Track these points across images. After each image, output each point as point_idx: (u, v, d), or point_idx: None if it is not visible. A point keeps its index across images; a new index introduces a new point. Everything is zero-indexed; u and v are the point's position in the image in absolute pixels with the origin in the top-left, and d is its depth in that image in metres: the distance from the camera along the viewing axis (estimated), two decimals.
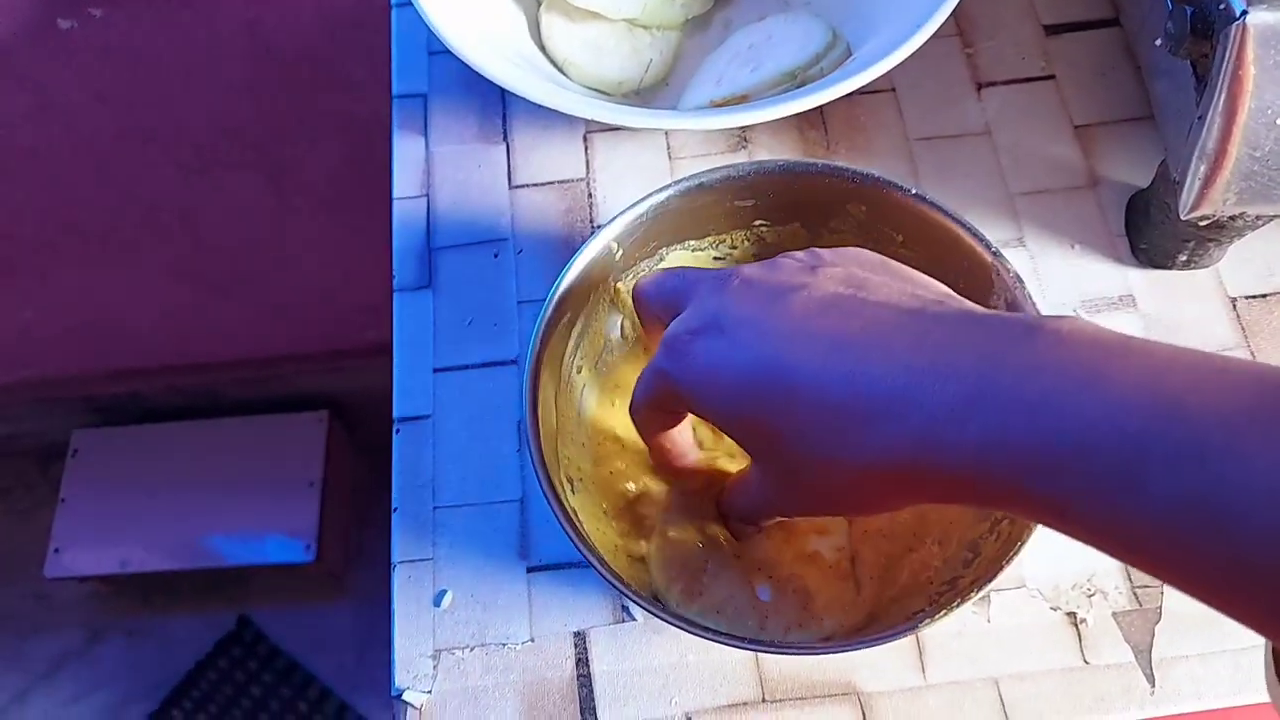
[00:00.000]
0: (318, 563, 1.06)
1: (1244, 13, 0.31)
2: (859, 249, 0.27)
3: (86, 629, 1.16)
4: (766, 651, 0.32)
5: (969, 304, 0.25)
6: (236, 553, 1.08)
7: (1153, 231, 0.39)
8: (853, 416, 0.22)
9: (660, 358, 0.27)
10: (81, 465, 1.13)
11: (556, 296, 0.33)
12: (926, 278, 0.26)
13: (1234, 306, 0.39)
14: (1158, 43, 0.35)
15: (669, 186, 0.35)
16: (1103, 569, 0.35)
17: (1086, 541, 0.20)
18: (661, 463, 0.33)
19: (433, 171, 0.45)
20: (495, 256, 0.43)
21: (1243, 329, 0.39)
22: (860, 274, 0.25)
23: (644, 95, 0.45)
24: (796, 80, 0.41)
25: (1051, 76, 0.44)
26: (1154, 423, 0.19)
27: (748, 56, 0.42)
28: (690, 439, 0.32)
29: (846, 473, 0.23)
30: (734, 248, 0.38)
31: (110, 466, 1.13)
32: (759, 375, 0.24)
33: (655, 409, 0.29)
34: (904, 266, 0.26)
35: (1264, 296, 0.40)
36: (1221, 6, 0.32)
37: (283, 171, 0.84)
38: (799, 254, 0.27)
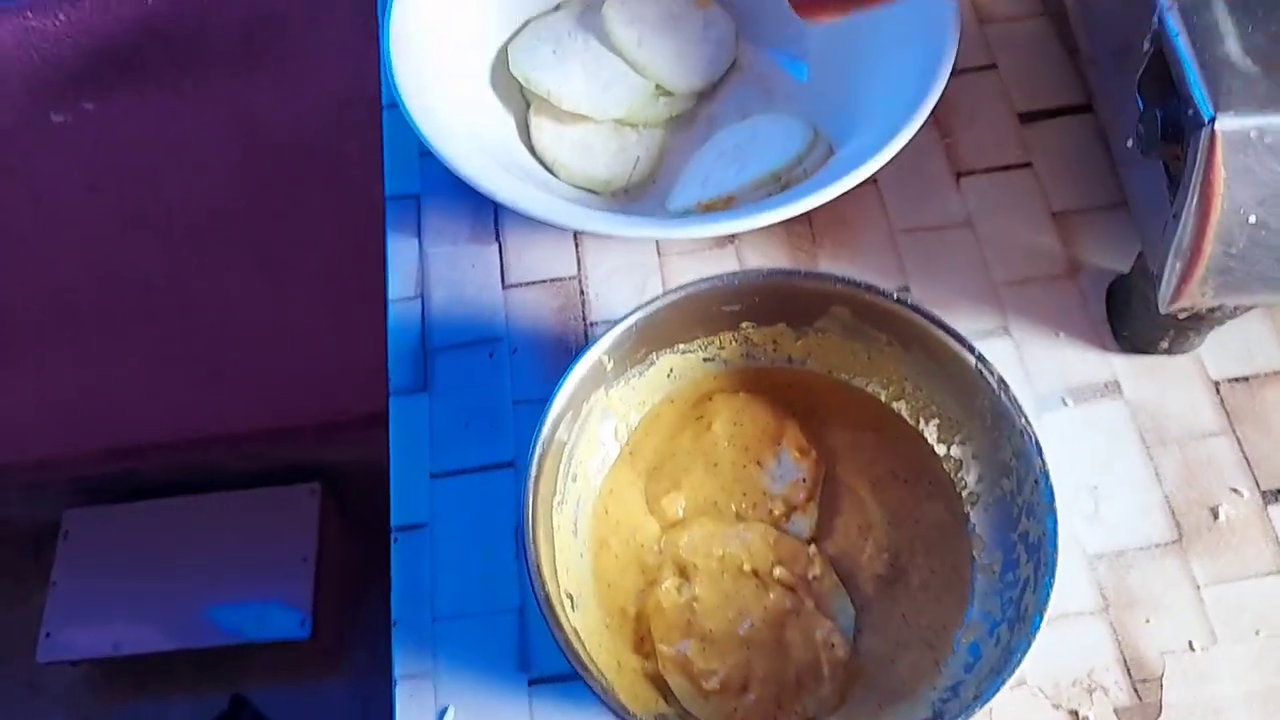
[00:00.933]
0: (313, 638, 1.05)
1: (1212, 119, 0.32)
2: None
3: (78, 715, 1.14)
4: None
5: None
6: (231, 630, 1.07)
7: (1134, 320, 0.40)
8: None
9: None
10: (72, 546, 1.11)
11: (550, 417, 0.34)
12: None
13: (1217, 390, 0.40)
14: (1130, 143, 0.36)
15: (657, 299, 0.35)
16: (1101, 664, 0.35)
17: None
18: None
19: (427, 272, 0.45)
20: (490, 356, 0.43)
21: (1227, 413, 0.40)
22: None
23: (632, 193, 0.46)
24: (781, 181, 0.42)
25: (1028, 164, 0.46)
26: None
27: (733, 156, 0.43)
28: None
29: None
30: (722, 348, 0.39)
31: (101, 546, 1.12)
32: None
33: None
34: None
35: (1246, 379, 0.40)
36: (1190, 112, 0.33)
37: (274, 251, 0.85)
38: None
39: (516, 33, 0.47)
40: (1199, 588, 0.36)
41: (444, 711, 0.36)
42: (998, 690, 0.28)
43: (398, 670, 0.38)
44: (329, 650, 1.10)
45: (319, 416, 1.06)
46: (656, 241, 0.45)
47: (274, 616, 1.06)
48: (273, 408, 1.05)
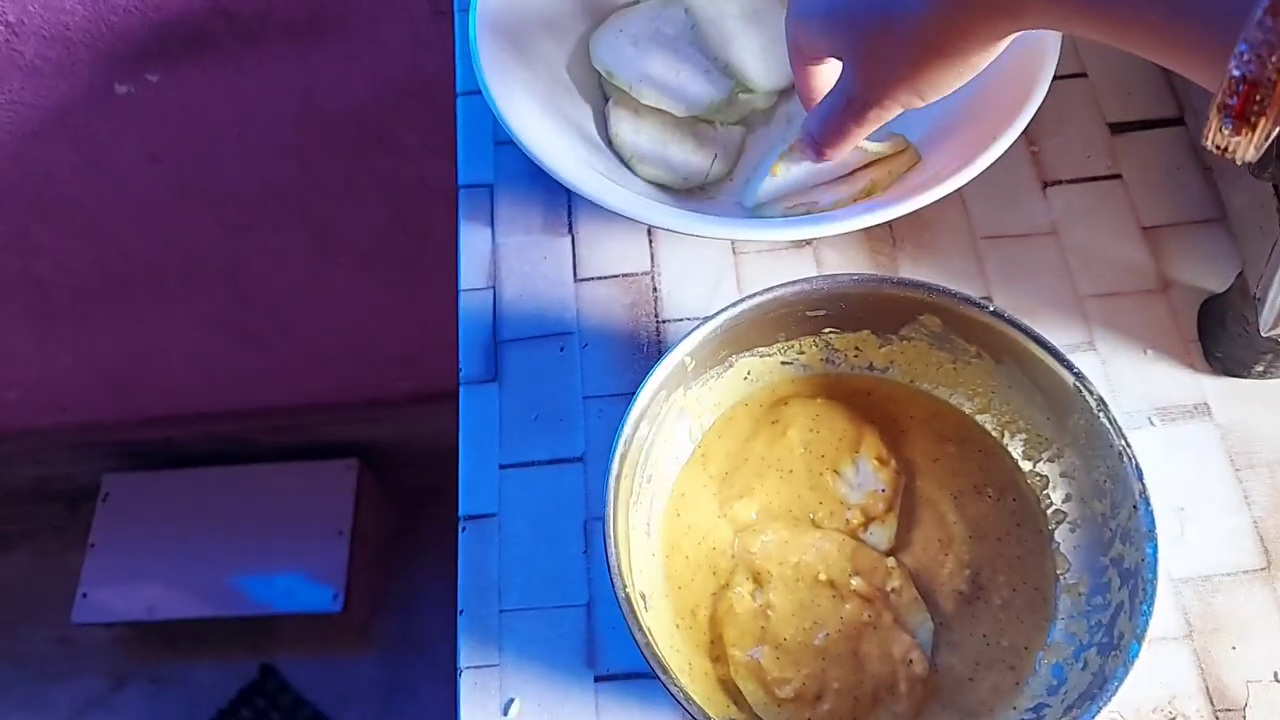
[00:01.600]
0: (345, 612, 1.06)
1: None
2: None
3: (111, 675, 1.16)
4: None
5: None
6: (264, 601, 1.08)
7: (1229, 341, 0.39)
8: None
9: (788, 17, 0.36)
10: (112, 509, 1.13)
11: (632, 417, 0.33)
12: None
13: None
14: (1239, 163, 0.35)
15: (744, 300, 0.35)
16: (1184, 691, 0.35)
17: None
18: (802, 94, 0.39)
19: (499, 263, 0.45)
20: (561, 350, 0.43)
21: None
22: None
23: (708, 190, 0.45)
24: (865, 185, 0.41)
25: (1118, 176, 0.44)
26: None
27: None
28: (828, 81, 0.37)
29: (918, 21, 0.29)
30: (802, 352, 0.38)
31: (140, 511, 1.13)
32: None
33: (794, 49, 0.37)
34: None
35: None
36: None
37: (325, 228, 0.85)
38: None
39: (598, 24, 0.47)
40: None
41: (509, 703, 0.36)
42: (1093, 718, 0.28)
43: (463, 661, 0.37)
44: (360, 624, 1.11)
45: (360, 394, 1.07)
46: (732, 240, 0.44)
47: (307, 590, 1.08)
48: (314, 382, 1.05)
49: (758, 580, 0.35)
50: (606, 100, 0.46)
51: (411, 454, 1.11)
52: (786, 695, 0.33)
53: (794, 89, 0.47)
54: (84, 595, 1.09)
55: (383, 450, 1.15)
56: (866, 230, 0.44)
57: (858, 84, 0.33)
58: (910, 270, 0.43)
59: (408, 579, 1.15)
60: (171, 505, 1.13)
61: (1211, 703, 0.34)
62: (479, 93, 0.41)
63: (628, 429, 0.33)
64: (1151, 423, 0.39)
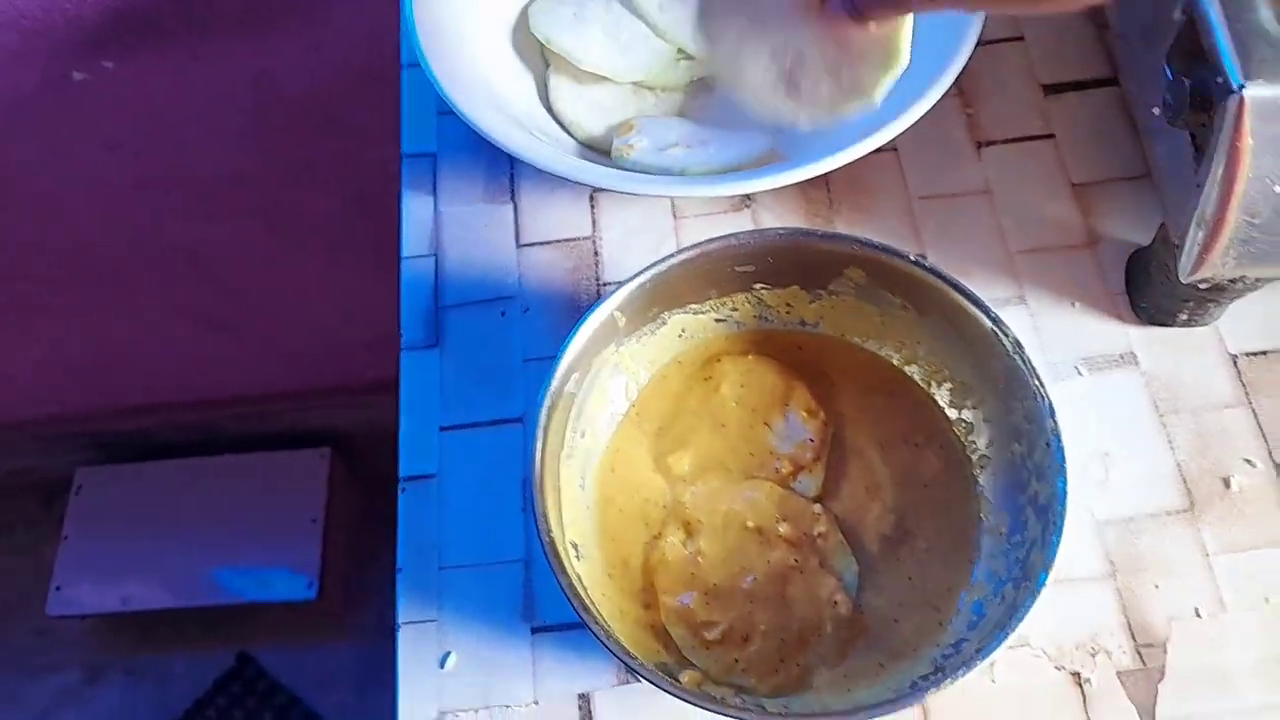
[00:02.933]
0: (319, 600, 1.06)
1: (1241, 86, 0.32)
2: None
3: (86, 666, 1.16)
4: None
5: None
6: (238, 590, 1.08)
7: (1153, 291, 0.39)
8: None
9: None
10: (84, 502, 1.13)
11: (561, 369, 0.34)
12: None
13: (1235, 364, 0.40)
14: (1156, 111, 0.36)
15: (672, 256, 0.35)
16: (1105, 628, 0.35)
17: None
18: None
19: (441, 231, 0.45)
20: (502, 315, 0.43)
21: (1244, 386, 0.39)
22: None
23: None
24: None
25: (1050, 135, 0.45)
26: None
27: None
28: None
29: None
30: (735, 309, 0.39)
31: (113, 503, 1.13)
32: None
33: None
34: None
35: (1264, 353, 0.40)
36: (1219, 80, 0.32)
37: (288, 214, 0.85)
38: None
39: None
40: (1208, 555, 0.36)
41: (446, 656, 0.37)
42: (1000, 644, 0.28)
43: (401, 617, 0.38)
44: (335, 612, 1.11)
45: (330, 380, 1.07)
46: (672, 203, 0.45)
47: (281, 579, 1.08)
48: (284, 371, 1.05)
49: (688, 529, 0.36)
50: (547, 68, 0.47)
51: (383, 440, 1.11)
52: (714, 637, 0.34)
53: None
54: (58, 588, 1.09)
55: (354, 437, 1.15)
56: (804, 194, 0.45)
57: None
58: (848, 231, 0.44)
59: (381, 566, 1.15)
60: (144, 497, 1.13)
61: (1134, 638, 0.35)
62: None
63: (556, 381, 0.34)
64: (1079, 372, 0.40)
